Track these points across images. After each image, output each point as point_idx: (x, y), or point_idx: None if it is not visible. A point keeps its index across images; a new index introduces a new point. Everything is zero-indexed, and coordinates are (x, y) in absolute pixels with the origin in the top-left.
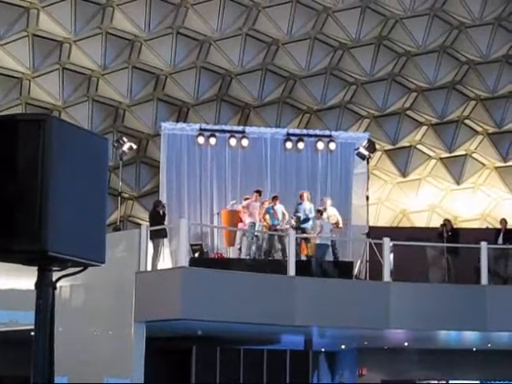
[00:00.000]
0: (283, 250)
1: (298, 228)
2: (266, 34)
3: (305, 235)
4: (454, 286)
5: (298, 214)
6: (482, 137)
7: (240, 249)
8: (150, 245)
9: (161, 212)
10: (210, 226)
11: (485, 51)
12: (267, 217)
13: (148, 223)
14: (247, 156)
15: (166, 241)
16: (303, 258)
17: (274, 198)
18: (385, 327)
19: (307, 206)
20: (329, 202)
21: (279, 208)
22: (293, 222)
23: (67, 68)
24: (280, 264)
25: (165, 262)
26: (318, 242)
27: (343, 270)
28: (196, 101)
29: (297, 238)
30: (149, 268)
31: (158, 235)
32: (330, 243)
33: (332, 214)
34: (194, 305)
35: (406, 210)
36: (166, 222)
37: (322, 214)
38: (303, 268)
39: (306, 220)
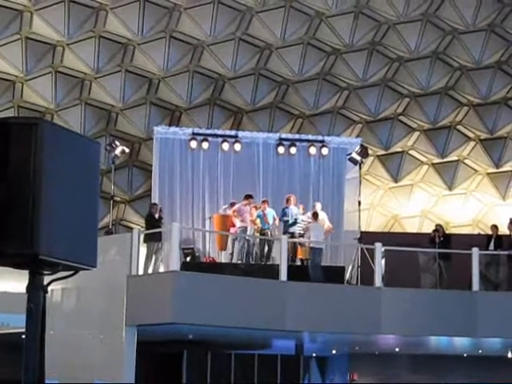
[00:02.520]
0: (268, 254)
1: (286, 232)
2: (259, 38)
3: (296, 240)
4: (445, 292)
5: (286, 218)
6: (475, 143)
7: (232, 253)
8: (142, 249)
9: (156, 215)
10: (202, 230)
11: (477, 57)
12: (258, 221)
13: (140, 227)
14: (240, 160)
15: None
16: (298, 262)
17: (264, 202)
18: (376, 332)
19: (294, 210)
20: (318, 206)
21: (270, 212)
22: (278, 225)
23: (60, 71)
24: (272, 269)
25: (156, 266)
26: (312, 245)
27: (335, 275)
28: (189, 105)
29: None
30: (140, 272)
31: (150, 239)
32: (323, 247)
33: (321, 218)
34: (185, 309)
35: (397, 215)
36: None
37: (317, 218)
38: (299, 272)
39: (294, 223)
